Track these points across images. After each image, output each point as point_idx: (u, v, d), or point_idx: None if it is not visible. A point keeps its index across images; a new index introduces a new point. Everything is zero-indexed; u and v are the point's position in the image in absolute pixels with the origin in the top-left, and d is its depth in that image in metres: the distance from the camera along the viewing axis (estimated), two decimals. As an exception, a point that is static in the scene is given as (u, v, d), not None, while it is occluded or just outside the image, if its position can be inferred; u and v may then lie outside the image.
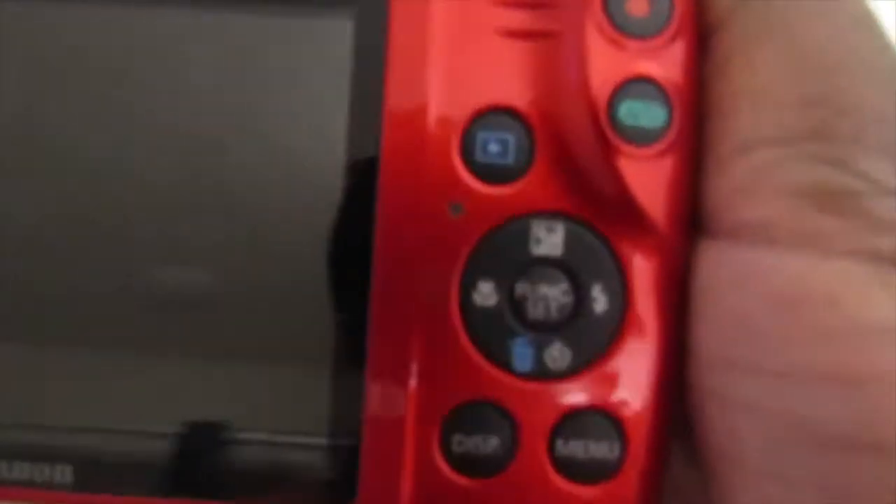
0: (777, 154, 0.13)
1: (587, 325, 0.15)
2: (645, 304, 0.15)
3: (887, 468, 0.12)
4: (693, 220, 0.15)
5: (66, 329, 0.16)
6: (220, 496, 0.15)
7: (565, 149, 0.15)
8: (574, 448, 0.15)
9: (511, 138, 0.15)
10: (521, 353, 0.15)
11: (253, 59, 0.15)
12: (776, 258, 0.13)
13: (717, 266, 0.14)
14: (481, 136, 0.15)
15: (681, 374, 0.15)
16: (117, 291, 0.15)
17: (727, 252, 0.14)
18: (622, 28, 0.14)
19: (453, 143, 0.15)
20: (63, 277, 0.16)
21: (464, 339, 0.15)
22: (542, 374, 0.15)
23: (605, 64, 0.14)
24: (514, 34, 0.15)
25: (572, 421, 0.15)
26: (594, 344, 0.15)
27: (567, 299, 0.15)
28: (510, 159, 0.15)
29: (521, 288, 0.15)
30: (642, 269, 0.15)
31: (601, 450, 0.15)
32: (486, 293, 0.15)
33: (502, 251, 0.15)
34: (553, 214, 0.15)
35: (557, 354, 0.15)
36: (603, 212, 0.15)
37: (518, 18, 0.15)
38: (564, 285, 0.15)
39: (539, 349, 0.15)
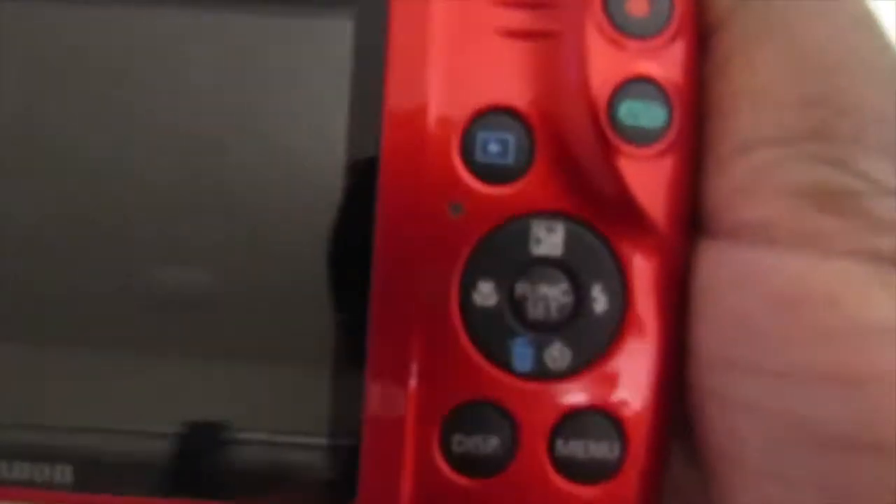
0: (777, 154, 0.13)
1: (587, 325, 0.15)
2: (645, 304, 0.15)
3: (887, 468, 0.12)
4: (693, 220, 0.15)
5: (66, 329, 0.16)
6: (220, 496, 0.15)
7: (565, 149, 0.15)
8: (574, 448, 0.15)
9: (511, 138, 0.15)
10: (521, 353, 0.15)
11: (253, 60, 0.15)
12: (776, 258, 0.13)
13: (717, 266, 0.14)
14: (481, 136, 0.15)
15: (681, 374, 0.15)
16: (117, 291, 0.15)
17: (727, 252, 0.14)
18: (622, 28, 0.14)
19: (453, 142, 0.15)
20: (63, 277, 0.16)
21: (464, 339, 0.15)
22: (542, 374, 0.15)
23: (605, 64, 0.14)
24: (514, 34, 0.15)
25: (572, 421, 0.15)
26: (594, 344, 0.15)
27: (567, 299, 0.15)
28: (510, 159, 0.15)
29: (521, 288, 0.15)
30: (642, 269, 0.15)
31: (601, 450, 0.15)
32: (486, 293, 0.15)
33: (502, 251, 0.15)
34: (553, 214, 0.15)
35: (557, 354, 0.15)
36: (603, 212, 0.15)
37: (518, 18, 0.15)
38: (564, 285, 0.15)
39: (539, 349, 0.15)
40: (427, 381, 0.15)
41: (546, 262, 0.15)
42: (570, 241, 0.15)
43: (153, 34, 0.15)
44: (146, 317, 0.15)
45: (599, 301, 0.15)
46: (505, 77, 0.15)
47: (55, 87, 0.15)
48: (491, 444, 0.15)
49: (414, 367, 0.15)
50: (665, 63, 0.14)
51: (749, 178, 0.14)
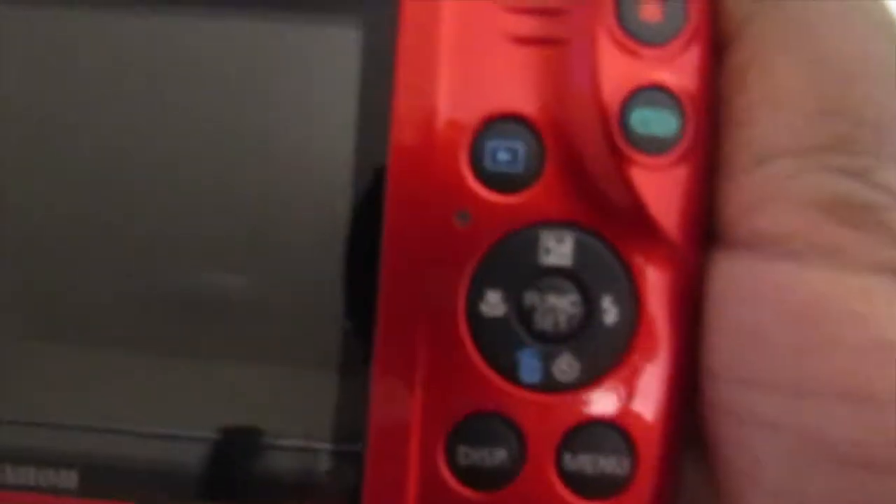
0: (795, 164, 0.13)
1: (597, 337, 0.15)
2: (656, 315, 0.15)
3: (907, 489, 0.12)
4: (708, 230, 0.14)
5: (71, 330, 0.16)
6: (224, 500, 0.15)
7: (576, 157, 0.14)
8: (583, 462, 0.15)
9: (521, 146, 0.15)
10: (529, 365, 0.15)
11: (261, 67, 0.15)
12: (794, 271, 0.13)
13: (732, 278, 0.14)
14: (490, 144, 0.15)
15: (693, 387, 0.14)
16: (118, 292, 0.16)
17: (743, 264, 0.14)
18: (635, 34, 0.14)
19: (462, 150, 0.15)
20: (75, 278, 0.16)
21: (471, 350, 0.15)
22: (551, 386, 0.15)
23: (616, 71, 0.14)
24: (524, 41, 0.15)
25: (581, 434, 0.15)
26: (604, 356, 0.15)
27: (576, 310, 0.15)
28: (520, 167, 0.15)
29: (529, 298, 0.15)
30: (654, 281, 0.15)
31: (610, 464, 0.15)
32: (493, 303, 0.15)
33: (511, 261, 0.15)
34: (563, 224, 0.15)
35: (566, 366, 0.15)
36: (614, 221, 0.14)
37: (529, 24, 0.15)
38: (574, 296, 0.15)
39: (547, 360, 0.15)
40: (433, 391, 0.15)
41: (555, 272, 0.15)
42: (579, 251, 0.15)
43: (163, 42, 0.15)
44: (150, 319, 0.16)
45: (610, 312, 0.15)
46: (515, 84, 0.15)
47: (72, 94, 0.16)
48: (498, 456, 0.15)
49: (420, 377, 0.15)
50: (678, 70, 0.14)
51: (766, 189, 0.13)
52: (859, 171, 0.13)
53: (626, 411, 0.15)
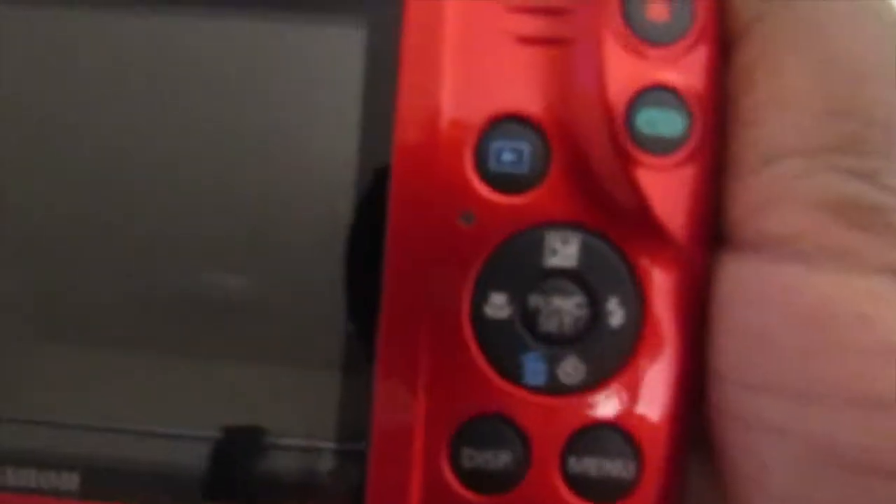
0: (803, 165, 0.13)
1: (602, 339, 0.14)
2: (662, 317, 0.14)
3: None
4: (715, 231, 0.14)
5: (71, 330, 0.16)
6: (227, 501, 0.15)
7: (581, 158, 0.14)
8: (588, 465, 0.14)
9: (526, 147, 0.14)
10: (534, 367, 0.14)
11: (265, 67, 0.15)
12: (802, 273, 0.13)
13: (739, 280, 0.14)
14: (495, 144, 0.14)
15: (700, 390, 0.14)
16: (119, 292, 0.15)
17: (750, 265, 0.14)
18: (641, 34, 0.14)
19: (466, 151, 0.14)
20: (78, 278, 0.16)
21: (475, 352, 0.15)
22: (555, 388, 0.14)
23: (623, 71, 0.13)
24: (529, 40, 0.14)
25: (586, 437, 0.14)
26: (609, 358, 0.14)
27: (582, 312, 0.14)
28: (524, 168, 0.14)
29: (534, 300, 0.15)
30: (660, 282, 0.14)
31: (616, 468, 0.14)
32: (498, 305, 0.15)
33: (515, 262, 0.15)
34: (568, 225, 0.14)
35: (571, 369, 0.14)
36: (620, 223, 0.14)
37: (534, 24, 0.14)
38: (579, 298, 0.14)
39: (552, 363, 0.14)
40: (437, 393, 0.15)
41: (560, 273, 0.14)
42: (585, 253, 0.14)
43: (165, 42, 0.15)
44: (152, 319, 0.15)
45: (615, 314, 0.14)
46: (520, 84, 0.14)
47: (72, 94, 0.15)
48: (502, 459, 0.14)
49: (423, 379, 0.15)
50: (685, 70, 0.14)
51: (774, 190, 0.13)
52: (868, 172, 0.13)
53: (631, 414, 0.14)
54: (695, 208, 0.14)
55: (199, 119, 0.15)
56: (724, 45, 0.14)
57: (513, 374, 0.14)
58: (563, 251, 0.14)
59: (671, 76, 0.14)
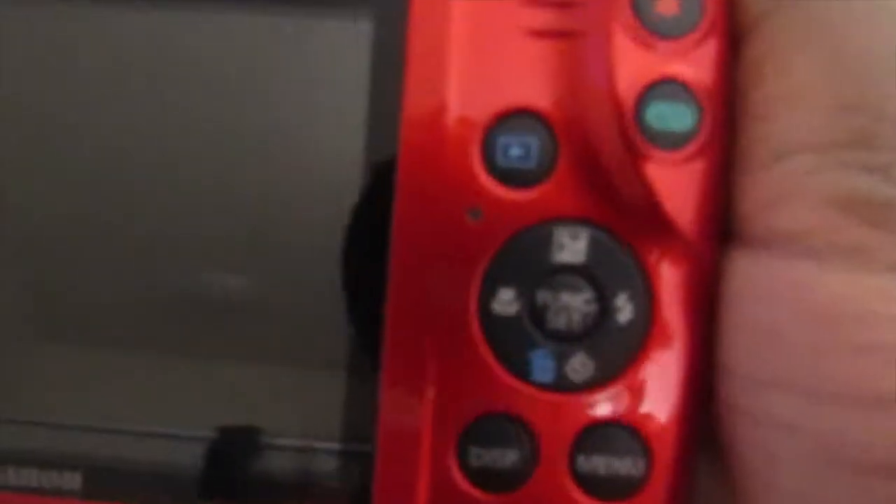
0: (814, 161, 0.13)
1: (611, 336, 0.14)
2: (671, 314, 0.14)
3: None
4: (724, 227, 0.14)
5: (71, 330, 0.16)
6: (230, 501, 0.15)
7: (590, 153, 0.14)
8: (596, 463, 0.14)
9: (534, 141, 0.14)
10: (542, 364, 0.14)
11: (271, 62, 0.15)
12: (813, 270, 0.13)
13: (749, 276, 0.14)
14: (503, 139, 0.14)
15: (709, 387, 0.14)
16: (119, 292, 0.15)
17: (759, 262, 0.13)
18: (651, 27, 0.13)
19: (474, 146, 0.14)
20: (78, 277, 0.16)
21: (482, 349, 0.14)
22: (564, 385, 0.14)
23: (632, 65, 0.13)
24: (538, 34, 0.14)
25: (594, 435, 0.14)
26: (618, 355, 0.14)
27: (590, 308, 0.14)
28: (532, 163, 0.14)
29: (542, 296, 0.14)
30: (669, 278, 0.14)
31: (625, 466, 0.14)
32: (506, 301, 0.14)
33: (523, 258, 0.14)
34: (576, 220, 0.14)
35: (579, 366, 0.14)
36: (628, 218, 0.14)
37: (542, 17, 0.14)
38: (587, 294, 0.14)
39: (560, 360, 0.14)
40: (444, 390, 0.14)
41: (569, 269, 0.14)
42: (593, 248, 0.14)
43: (166, 39, 0.15)
44: (155, 319, 0.15)
45: (624, 310, 0.14)
46: (528, 78, 0.14)
47: (72, 93, 0.15)
48: (510, 457, 0.14)
49: (430, 376, 0.14)
50: (695, 64, 0.13)
51: (784, 186, 0.13)
52: (879, 167, 0.13)
53: (640, 411, 0.14)
54: (704, 203, 0.14)
55: (200, 118, 0.15)
56: (734, 39, 0.14)
57: (521, 370, 0.14)
58: (572, 246, 0.14)
59: (681, 70, 0.13)
